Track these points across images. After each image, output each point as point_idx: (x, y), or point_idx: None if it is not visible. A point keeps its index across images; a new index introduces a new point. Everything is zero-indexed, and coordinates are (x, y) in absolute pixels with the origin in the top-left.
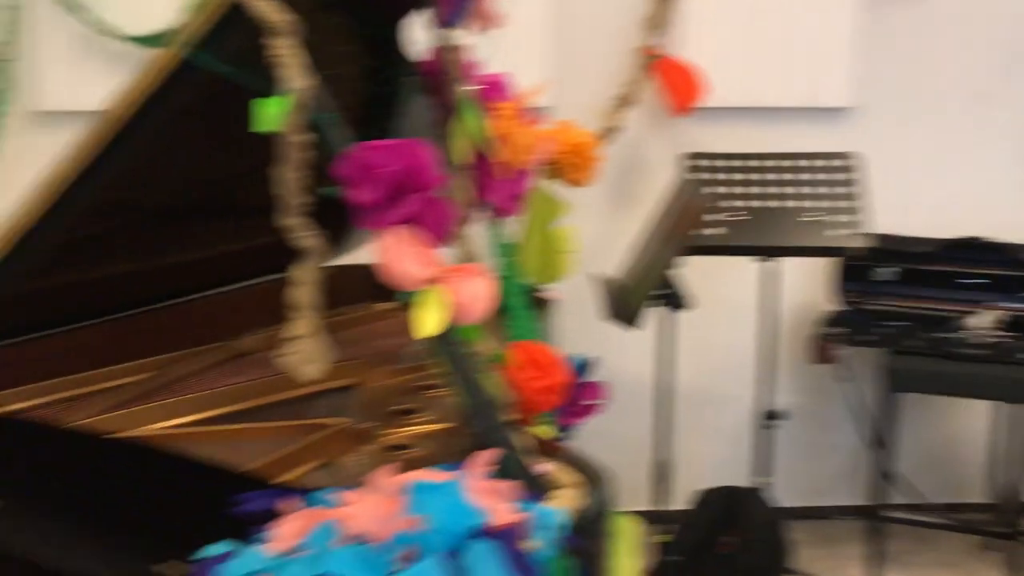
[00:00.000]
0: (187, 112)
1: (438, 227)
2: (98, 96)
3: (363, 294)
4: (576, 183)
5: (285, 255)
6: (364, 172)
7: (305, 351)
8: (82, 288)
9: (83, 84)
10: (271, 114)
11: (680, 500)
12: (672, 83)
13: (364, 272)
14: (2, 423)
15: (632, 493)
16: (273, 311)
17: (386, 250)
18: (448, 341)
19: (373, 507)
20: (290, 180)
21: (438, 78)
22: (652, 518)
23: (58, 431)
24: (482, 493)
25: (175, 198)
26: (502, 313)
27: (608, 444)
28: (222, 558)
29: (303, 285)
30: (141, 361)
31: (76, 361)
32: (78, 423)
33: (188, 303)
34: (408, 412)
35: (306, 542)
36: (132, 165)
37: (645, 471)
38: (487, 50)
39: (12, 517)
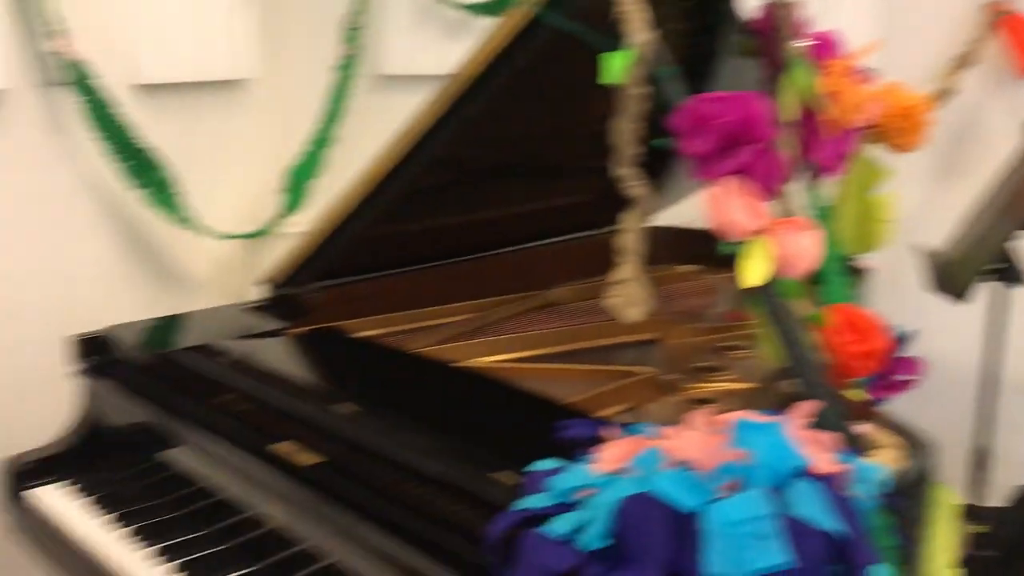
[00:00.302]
0: (528, 72)
1: (768, 180)
2: (434, 61)
3: (667, 255)
4: (902, 148)
5: (596, 214)
6: (699, 123)
7: (629, 294)
8: (416, 235)
9: (421, 50)
10: (615, 67)
11: (997, 496)
12: (1021, 42)
13: (668, 234)
14: (360, 345)
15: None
16: (581, 266)
17: (716, 200)
18: (770, 293)
19: (697, 438)
20: (626, 131)
21: (768, 35)
22: (965, 512)
23: (404, 355)
24: (803, 440)
25: (505, 155)
26: (816, 278)
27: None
28: (551, 472)
29: (630, 232)
30: (464, 303)
31: (412, 299)
32: (419, 350)
33: (505, 255)
34: (710, 370)
35: (631, 465)
36: (475, 122)
37: (959, 462)
38: (817, 7)
39: (367, 420)
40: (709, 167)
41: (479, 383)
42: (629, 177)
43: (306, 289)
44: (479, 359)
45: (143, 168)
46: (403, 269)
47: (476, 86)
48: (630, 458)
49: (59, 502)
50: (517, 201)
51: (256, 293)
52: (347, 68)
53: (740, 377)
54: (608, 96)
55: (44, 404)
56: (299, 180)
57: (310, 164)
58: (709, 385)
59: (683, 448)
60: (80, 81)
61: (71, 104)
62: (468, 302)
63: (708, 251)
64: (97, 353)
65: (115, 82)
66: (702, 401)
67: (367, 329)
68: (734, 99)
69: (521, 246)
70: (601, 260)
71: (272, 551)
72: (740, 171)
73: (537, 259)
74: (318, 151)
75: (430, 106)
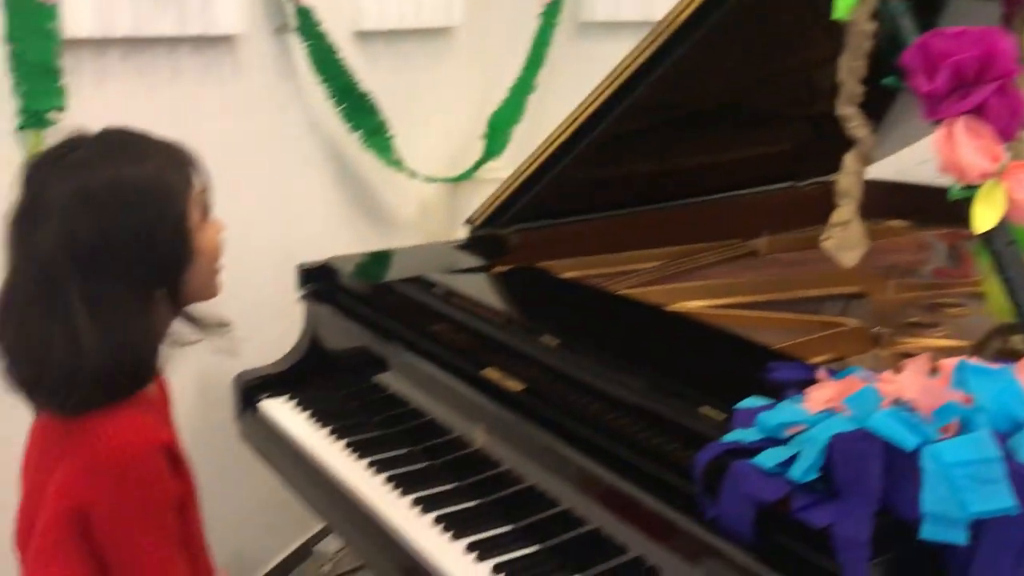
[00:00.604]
0: (736, 16)
1: (1006, 121)
2: (635, 8)
3: (876, 210)
4: None
5: (794, 166)
6: (933, 61)
7: (846, 237)
8: (613, 181)
9: None
10: (844, 3)
11: None
12: None
13: (879, 188)
14: (563, 284)
15: None
16: (779, 218)
17: (948, 141)
18: (1001, 240)
19: (917, 380)
20: (853, 69)
21: None
22: None
23: (606, 294)
24: None
25: (706, 102)
26: None
27: None
28: (759, 409)
29: (850, 174)
30: (659, 250)
31: (607, 244)
32: (622, 292)
33: (699, 204)
34: (922, 326)
35: (843, 404)
36: (682, 68)
37: None
38: None
39: (571, 353)
40: (942, 107)
41: (682, 324)
42: (852, 117)
43: (507, 231)
44: (677, 304)
45: (361, 112)
46: (599, 215)
47: (685, 30)
48: (842, 399)
49: (283, 414)
50: (714, 150)
51: (460, 233)
52: (550, 15)
53: (953, 335)
54: (815, 43)
55: (274, 327)
56: (500, 126)
57: (511, 110)
58: (920, 341)
59: (902, 389)
60: (307, 27)
61: (298, 50)
62: (663, 248)
63: (918, 207)
64: (321, 280)
65: (336, 29)
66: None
67: (564, 271)
68: (973, 35)
69: (715, 195)
70: (799, 212)
71: (475, 471)
72: (977, 110)
73: (732, 209)
74: (519, 98)
75: (639, 50)
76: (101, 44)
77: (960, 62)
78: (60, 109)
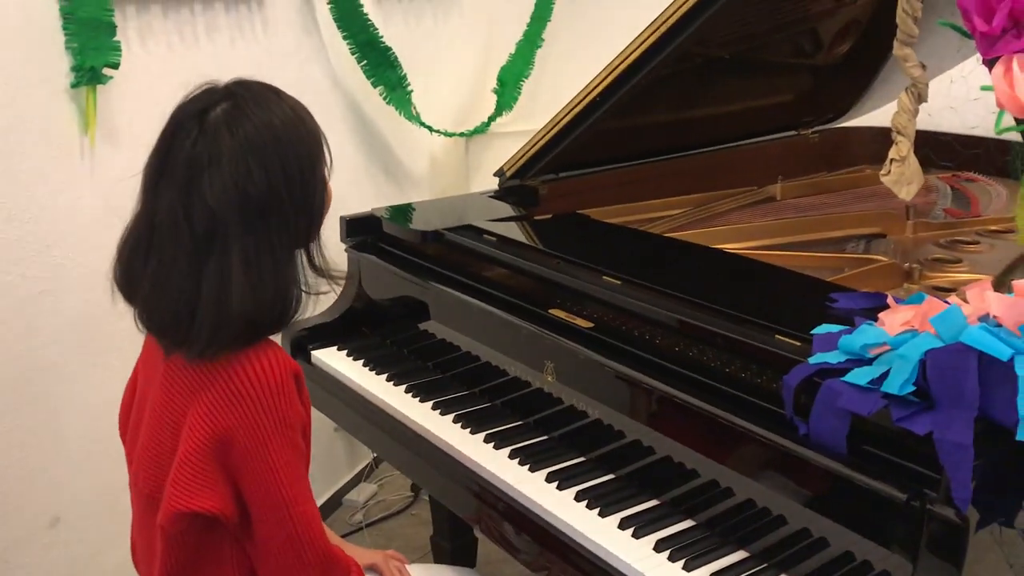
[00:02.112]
0: None
1: None
2: None
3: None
4: None
5: (796, 115)
6: (990, 2)
7: (903, 172)
8: (635, 132)
9: None
10: None
11: None
12: None
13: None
14: (613, 229)
15: None
16: (790, 164)
17: (1007, 76)
18: None
19: (999, 298)
20: (909, 9)
21: None
22: None
23: (649, 236)
24: None
25: (721, 52)
26: None
27: None
28: (840, 333)
29: (904, 112)
30: (683, 197)
31: (632, 192)
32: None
33: (717, 152)
34: (943, 261)
35: (932, 322)
36: (716, 19)
37: None
38: None
39: (634, 290)
40: (998, 45)
41: (732, 261)
42: (908, 57)
43: (535, 182)
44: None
45: (383, 66)
46: (620, 165)
47: None
48: (922, 320)
49: (338, 363)
50: (725, 100)
51: (473, 186)
52: None
53: (975, 269)
54: None
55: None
56: (511, 80)
57: (520, 64)
58: (948, 275)
59: (987, 307)
60: None
61: (321, 6)
62: (685, 196)
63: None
64: (367, 231)
65: None
66: (943, 290)
67: (611, 216)
68: None
69: (727, 145)
70: (804, 158)
71: (540, 408)
72: None
73: (743, 157)
74: (528, 52)
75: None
76: (145, 1)
77: (1017, 2)
78: (115, 66)
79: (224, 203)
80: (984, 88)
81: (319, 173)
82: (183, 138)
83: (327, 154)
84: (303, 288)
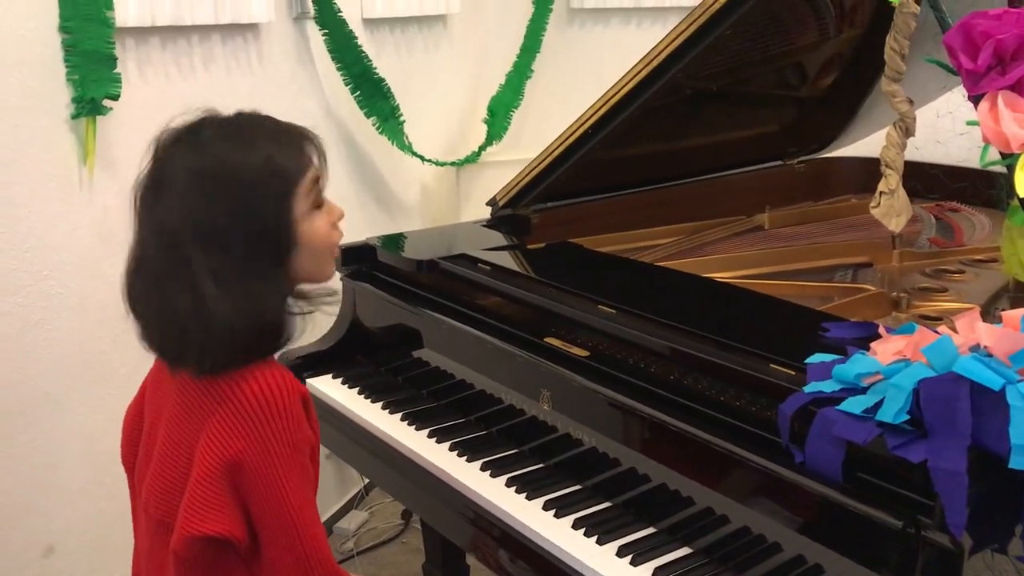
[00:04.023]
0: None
1: None
2: None
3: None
4: None
5: (781, 146)
6: (976, 40)
7: (892, 205)
8: (626, 162)
9: None
10: None
11: None
12: None
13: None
14: (606, 258)
15: None
16: (777, 193)
17: (992, 112)
18: None
19: (989, 329)
20: (897, 47)
21: None
22: None
23: (640, 265)
24: None
25: (718, 83)
26: None
27: None
28: (833, 362)
29: (893, 146)
30: (671, 227)
31: (621, 222)
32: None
33: (705, 182)
34: (930, 290)
35: (923, 352)
36: (708, 52)
37: None
38: None
39: (629, 319)
40: (983, 82)
41: (724, 290)
42: (895, 93)
43: (527, 211)
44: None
45: (376, 97)
46: (610, 195)
47: (720, 16)
48: (914, 350)
49: (333, 391)
50: (712, 131)
51: (463, 215)
52: (544, 2)
53: (961, 297)
54: (804, 30)
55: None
56: (500, 110)
57: (510, 95)
58: (934, 304)
59: (978, 337)
60: (325, 15)
61: (316, 38)
62: (677, 224)
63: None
64: (361, 260)
65: (348, 17)
66: (930, 319)
67: (603, 245)
68: (1012, 16)
69: (714, 175)
70: (791, 188)
71: (536, 436)
72: (1017, 85)
73: (730, 187)
74: (517, 82)
75: (677, 32)
76: (143, 32)
77: (1000, 42)
78: (115, 97)
79: (178, 225)
80: (970, 123)
81: (274, 213)
82: (157, 160)
83: (312, 188)
84: (294, 307)
